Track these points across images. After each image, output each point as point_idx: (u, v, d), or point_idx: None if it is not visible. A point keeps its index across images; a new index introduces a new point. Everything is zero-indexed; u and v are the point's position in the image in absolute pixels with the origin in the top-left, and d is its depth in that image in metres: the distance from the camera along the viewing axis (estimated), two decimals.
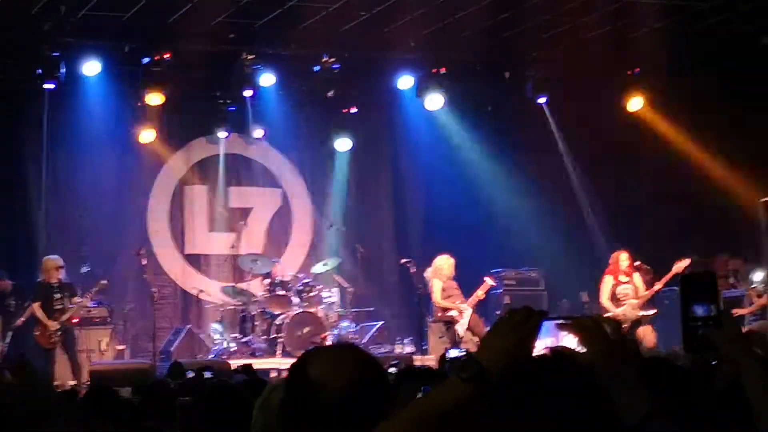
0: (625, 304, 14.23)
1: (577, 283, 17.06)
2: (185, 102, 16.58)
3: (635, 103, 17.15)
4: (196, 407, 4.67)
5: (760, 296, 15.22)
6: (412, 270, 15.71)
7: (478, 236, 16.85)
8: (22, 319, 14.56)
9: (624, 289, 14.32)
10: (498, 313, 15.76)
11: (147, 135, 16.71)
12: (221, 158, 17.70)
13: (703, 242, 16.50)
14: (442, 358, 8.16)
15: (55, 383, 13.40)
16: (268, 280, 16.32)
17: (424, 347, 15.78)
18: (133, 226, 17.03)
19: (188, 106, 16.84)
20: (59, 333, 14.25)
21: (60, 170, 16.59)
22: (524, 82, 17.15)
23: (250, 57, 15.96)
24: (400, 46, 16.14)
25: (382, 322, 16.89)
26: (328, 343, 15.23)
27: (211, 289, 17.12)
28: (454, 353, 8.19)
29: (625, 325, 13.61)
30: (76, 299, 14.47)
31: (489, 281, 15.06)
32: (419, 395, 3.23)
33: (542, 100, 17.23)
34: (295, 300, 15.94)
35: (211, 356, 15.55)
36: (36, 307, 14.29)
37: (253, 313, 15.88)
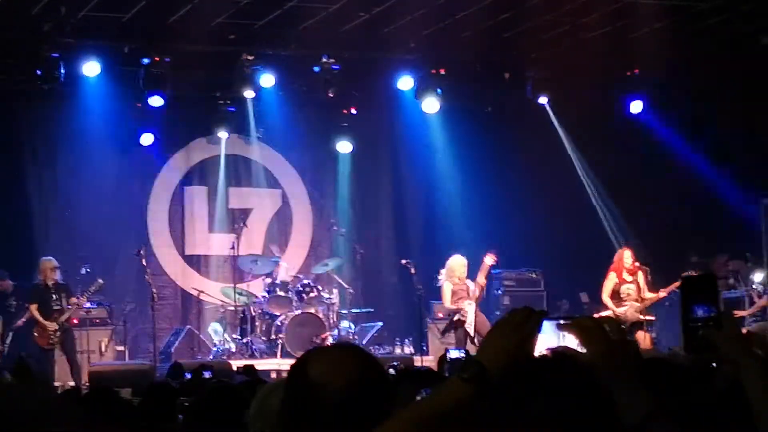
0: (626, 304, 14.18)
1: (577, 283, 17.08)
2: (185, 103, 16.58)
3: (635, 104, 17.14)
4: (197, 408, 4.67)
5: (760, 297, 15.23)
6: (412, 270, 15.69)
7: (477, 237, 16.84)
8: (23, 320, 14.58)
9: (627, 289, 14.25)
10: (498, 313, 15.76)
11: (147, 136, 16.71)
12: (221, 159, 17.71)
13: (703, 243, 16.52)
14: (442, 359, 8.16)
15: (55, 384, 13.41)
16: (268, 281, 16.33)
17: (424, 348, 15.80)
18: (133, 226, 17.02)
19: (188, 106, 16.85)
20: (58, 334, 14.26)
21: (60, 171, 16.59)
22: (524, 83, 17.14)
23: (249, 58, 15.96)
24: (399, 47, 16.14)
25: (382, 322, 16.89)
26: (329, 343, 15.25)
27: (211, 290, 17.11)
28: (454, 354, 8.18)
29: (624, 327, 13.57)
30: (73, 300, 14.48)
31: (488, 260, 14.21)
32: (418, 397, 3.23)
33: (543, 100, 17.22)
34: (295, 301, 15.94)
35: (210, 357, 15.55)
36: (33, 309, 14.31)
37: (253, 314, 15.88)
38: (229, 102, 16.96)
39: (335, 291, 16.61)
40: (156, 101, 15.72)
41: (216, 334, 16.26)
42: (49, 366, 14.08)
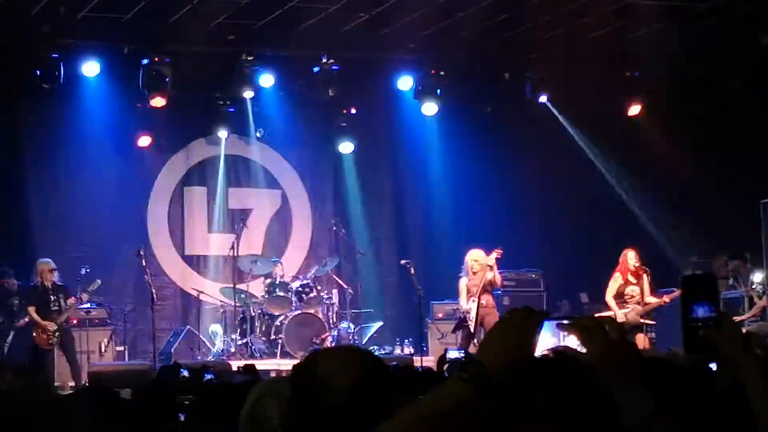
0: (629, 306, 14.14)
1: (577, 283, 17.08)
2: (185, 103, 16.57)
3: (635, 105, 17.14)
4: (197, 408, 4.66)
5: (759, 298, 15.22)
6: (412, 271, 15.69)
7: (477, 237, 16.83)
8: (25, 319, 14.60)
9: (631, 290, 14.19)
10: (498, 314, 15.75)
11: (146, 136, 16.70)
12: (221, 159, 17.70)
13: (703, 243, 16.52)
14: (441, 359, 8.14)
15: (55, 384, 13.41)
16: (267, 281, 16.33)
17: (423, 348, 15.80)
18: (132, 227, 17.00)
19: (188, 107, 16.84)
20: (57, 334, 14.27)
21: (59, 171, 16.59)
22: (524, 83, 17.14)
23: (249, 58, 15.97)
24: (399, 47, 16.16)
25: (382, 323, 16.90)
26: (328, 343, 15.25)
27: (210, 290, 17.11)
28: (453, 354, 8.16)
29: (625, 328, 13.55)
30: (71, 300, 14.49)
31: (494, 254, 13.96)
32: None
33: (543, 98, 17.20)
34: (295, 301, 15.94)
35: (210, 357, 15.56)
36: (31, 311, 14.33)
37: (252, 314, 15.88)
38: (228, 102, 16.95)
39: (335, 291, 16.62)
40: (157, 102, 15.72)
41: (215, 334, 16.25)
42: (49, 367, 14.09)
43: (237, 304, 16.27)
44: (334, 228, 17.50)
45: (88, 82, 15.82)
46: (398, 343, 16.50)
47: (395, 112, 17.81)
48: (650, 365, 3.27)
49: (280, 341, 15.43)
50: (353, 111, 17.56)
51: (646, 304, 14.16)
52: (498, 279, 14.20)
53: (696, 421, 2.84)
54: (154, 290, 15.40)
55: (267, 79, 16.40)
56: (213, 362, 13.82)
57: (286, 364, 12.51)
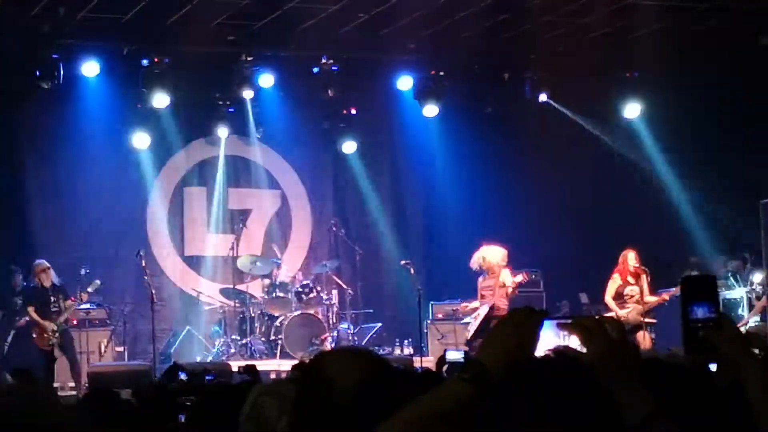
0: (629, 306, 14.13)
1: (577, 283, 17.07)
2: (185, 103, 16.57)
3: (634, 106, 17.14)
4: (197, 408, 4.67)
5: (759, 298, 15.21)
6: (412, 271, 15.69)
7: (477, 237, 16.82)
8: (26, 319, 14.61)
9: (631, 290, 14.19)
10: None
11: (146, 136, 16.70)
12: (221, 159, 17.70)
13: (704, 243, 16.52)
14: (441, 360, 8.14)
15: (55, 385, 13.42)
16: (267, 282, 16.32)
17: (423, 349, 15.79)
18: (132, 227, 17.01)
19: (188, 107, 16.83)
20: (57, 335, 14.27)
21: (59, 171, 16.59)
22: (524, 84, 17.15)
23: (249, 58, 15.97)
24: (399, 48, 16.15)
25: (381, 323, 16.90)
26: (328, 344, 15.26)
27: (210, 291, 17.11)
28: (452, 355, 8.16)
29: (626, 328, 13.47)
30: (70, 302, 14.49)
31: (520, 278, 13.90)
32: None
33: (543, 98, 17.19)
34: (295, 301, 15.94)
35: (210, 358, 15.56)
36: (31, 311, 14.33)
37: (252, 315, 15.88)
38: (228, 102, 16.95)
39: (334, 292, 16.62)
40: (158, 102, 15.73)
41: (215, 335, 16.25)
42: (49, 367, 14.08)
43: (237, 305, 16.27)
44: (334, 228, 17.51)
45: (88, 83, 15.83)
46: (398, 344, 16.49)
47: (395, 112, 17.81)
48: (650, 365, 3.27)
49: (279, 342, 15.42)
50: (353, 111, 17.56)
51: (645, 303, 14.16)
52: (508, 283, 13.83)
53: (696, 422, 2.84)
54: (153, 291, 15.40)
55: (267, 80, 16.41)
56: (212, 363, 13.84)
57: (286, 365, 12.49)
